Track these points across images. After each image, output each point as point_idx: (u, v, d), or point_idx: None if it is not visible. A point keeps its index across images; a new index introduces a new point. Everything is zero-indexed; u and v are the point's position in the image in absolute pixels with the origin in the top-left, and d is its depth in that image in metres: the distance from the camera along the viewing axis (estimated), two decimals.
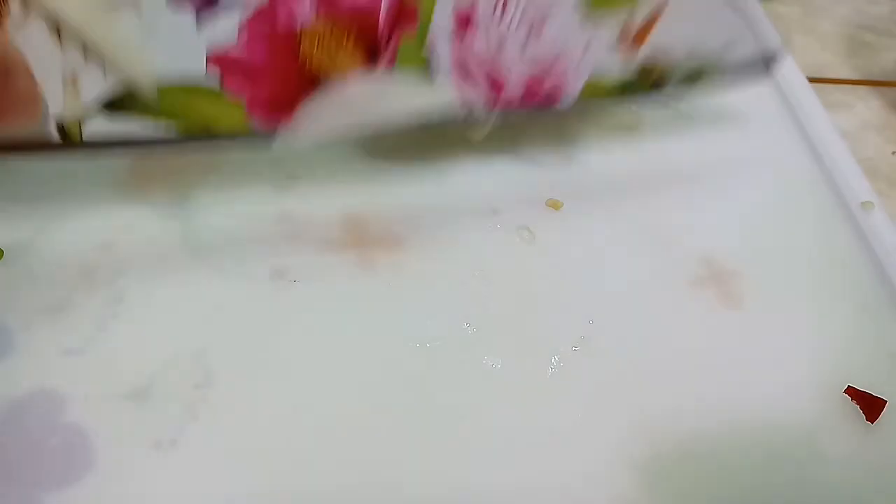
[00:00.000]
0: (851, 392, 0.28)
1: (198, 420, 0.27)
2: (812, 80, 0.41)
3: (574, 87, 0.31)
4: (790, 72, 0.41)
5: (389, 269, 0.31)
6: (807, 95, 0.40)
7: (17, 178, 0.34)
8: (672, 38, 0.30)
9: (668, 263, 0.32)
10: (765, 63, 0.33)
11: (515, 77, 0.30)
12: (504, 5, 0.28)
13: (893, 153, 0.41)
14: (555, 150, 0.36)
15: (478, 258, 0.32)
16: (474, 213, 0.33)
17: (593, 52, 0.30)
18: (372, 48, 0.28)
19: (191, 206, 0.33)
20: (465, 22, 0.28)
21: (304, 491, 0.25)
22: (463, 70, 0.29)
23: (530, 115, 0.32)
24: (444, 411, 0.27)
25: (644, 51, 0.30)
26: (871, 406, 0.28)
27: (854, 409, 0.28)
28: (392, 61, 0.28)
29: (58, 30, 0.24)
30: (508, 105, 0.31)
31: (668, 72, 0.31)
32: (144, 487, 0.25)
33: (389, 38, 0.28)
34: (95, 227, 0.32)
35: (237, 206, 0.33)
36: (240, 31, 0.26)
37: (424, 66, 0.29)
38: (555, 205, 0.34)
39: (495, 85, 0.30)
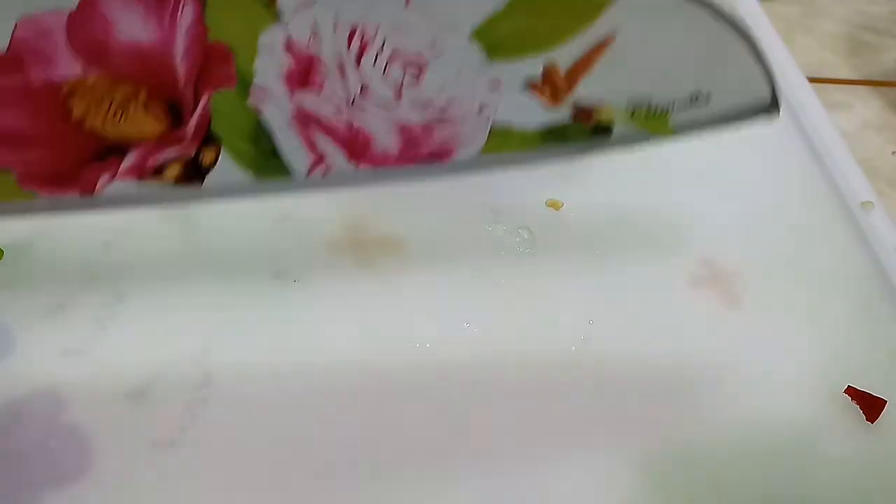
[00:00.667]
0: (851, 392, 0.28)
1: (198, 420, 0.27)
2: (812, 80, 0.41)
3: (475, 138, 0.25)
4: (790, 72, 0.41)
5: (389, 269, 0.31)
6: (807, 95, 0.40)
7: None
8: (623, 75, 0.24)
9: (668, 264, 0.32)
10: (760, 108, 0.26)
11: (385, 129, 0.24)
12: (362, 46, 0.22)
13: (893, 153, 0.41)
14: None
15: (478, 258, 0.32)
16: (474, 213, 0.33)
17: (500, 96, 0.24)
18: (174, 106, 0.23)
19: (191, 207, 0.33)
20: (304, 72, 0.23)
21: (305, 490, 0.25)
22: (306, 124, 0.24)
23: (421, 172, 0.26)
24: (443, 411, 0.27)
25: (580, 92, 0.24)
26: (871, 406, 0.28)
27: (854, 409, 0.28)
28: (205, 119, 0.23)
29: None
30: (383, 161, 0.25)
31: (616, 113, 0.25)
32: (144, 487, 0.25)
33: (196, 93, 0.22)
34: (95, 227, 0.32)
35: (237, 207, 0.33)
36: None
37: (252, 122, 0.23)
38: (555, 205, 0.34)
39: (356, 139, 0.24)
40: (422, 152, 0.25)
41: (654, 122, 0.25)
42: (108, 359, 0.28)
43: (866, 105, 0.44)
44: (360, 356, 0.29)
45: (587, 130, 0.25)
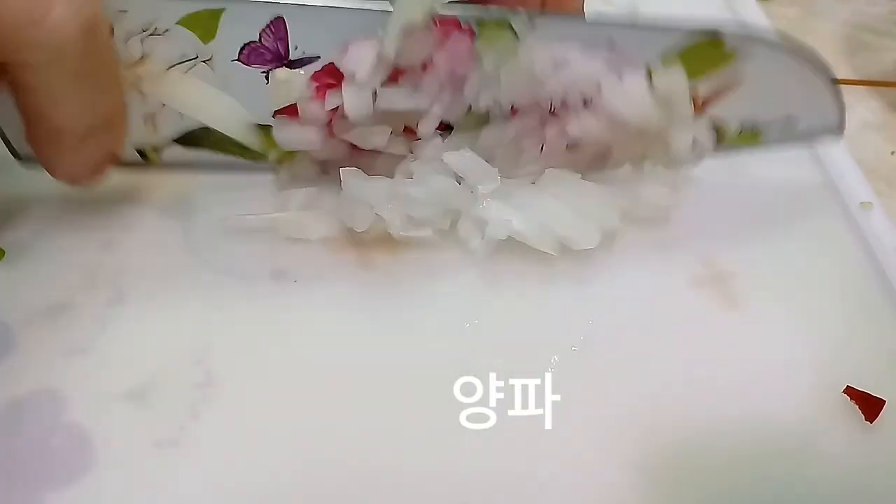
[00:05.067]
0: (851, 392, 0.28)
1: (198, 419, 0.27)
2: None
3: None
4: None
5: (389, 269, 0.31)
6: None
7: (18, 178, 0.34)
8: (739, 102, 0.32)
9: (668, 264, 0.32)
10: (831, 130, 0.34)
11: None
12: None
13: (893, 153, 0.41)
14: None
15: (478, 257, 0.32)
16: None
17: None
18: None
19: (191, 206, 0.33)
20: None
21: (305, 490, 0.26)
22: None
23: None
24: (443, 410, 0.27)
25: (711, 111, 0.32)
26: (870, 406, 0.28)
27: (853, 409, 0.28)
28: None
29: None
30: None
31: (730, 128, 0.33)
32: (145, 486, 0.25)
33: None
34: (96, 227, 0.32)
35: (237, 207, 0.33)
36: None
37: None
38: None
39: None
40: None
41: (751, 137, 0.34)
42: (109, 358, 0.28)
43: (866, 105, 0.44)
44: (361, 356, 0.29)
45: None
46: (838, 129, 0.33)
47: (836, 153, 0.37)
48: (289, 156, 0.32)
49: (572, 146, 0.32)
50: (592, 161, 0.33)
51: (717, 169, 0.36)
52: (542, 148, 0.32)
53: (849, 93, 0.45)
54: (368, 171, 0.31)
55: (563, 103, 0.31)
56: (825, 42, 0.48)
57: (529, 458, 0.27)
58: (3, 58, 0.24)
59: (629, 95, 0.31)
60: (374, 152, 0.32)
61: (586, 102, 0.31)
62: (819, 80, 0.32)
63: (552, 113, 0.31)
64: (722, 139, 0.33)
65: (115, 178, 0.31)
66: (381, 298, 0.31)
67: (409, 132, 0.31)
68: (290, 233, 0.32)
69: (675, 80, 0.31)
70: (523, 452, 0.27)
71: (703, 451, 0.27)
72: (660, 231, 0.34)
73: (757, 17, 0.46)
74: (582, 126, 0.31)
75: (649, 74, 0.31)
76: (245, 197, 0.33)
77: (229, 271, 0.31)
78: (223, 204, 0.33)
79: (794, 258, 0.33)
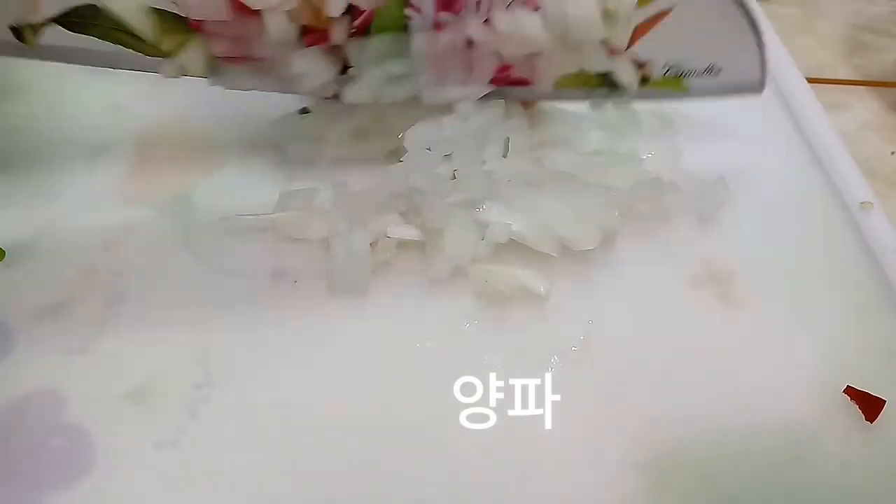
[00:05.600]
0: (851, 392, 0.28)
1: (198, 420, 0.27)
2: (811, 80, 0.41)
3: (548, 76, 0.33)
4: (789, 72, 0.41)
5: (389, 269, 0.31)
6: (806, 96, 0.40)
7: (18, 178, 0.34)
8: (666, 42, 0.32)
9: (668, 264, 0.32)
10: (753, 86, 0.34)
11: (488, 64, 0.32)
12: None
13: (892, 153, 0.41)
14: None
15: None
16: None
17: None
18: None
19: (191, 207, 0.33)
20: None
21: (304, 490, 0.26)
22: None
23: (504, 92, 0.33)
24: (443, 410, 0.27)
25: (635, 49, 0.33)
26: (870, 406, 0.28)
27: (853, 409, 0.28)
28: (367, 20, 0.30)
29: None
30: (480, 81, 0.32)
31: (654, 70, 0.33)
32: (145, 487, 0.25)
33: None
34: (96, 227, 0.32)
35: (237, 207, 0.33)
36: None
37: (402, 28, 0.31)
38: None
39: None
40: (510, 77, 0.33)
41: (676, 82, 0.34)
42: (109, 358, 0.28)
43: (865, 105, 0.44)
44: (361, 355, 0.29)
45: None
46: (760, 86, 0.34)
47: (836, 153, 0.37)
48: (180, 47, 0.30)
49: (499, 55, 0.31)
50: (521, 76, 0.33)
51: (717, 169, 0.36)
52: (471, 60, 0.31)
53: (849, 93, 0.45)
54: (261, 71, 0.30)
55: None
56: (825, 42, 0.48)
57: (529, 458, 0.27)
58: None
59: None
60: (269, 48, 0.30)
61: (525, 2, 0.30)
62: (746, 33, 0.32)
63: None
64: (647, 80, 0.33)
65: (126, 154, 0.31)
66: (382, 298, 0.31)
67: (314, 32, 0.30)
68: (290, 233, 0.32)
69: None
70: (523, 452, 0.27)
71: (702, 451, 0.27)
72: (660, 231, 0.34)
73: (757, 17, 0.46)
74: (515, 21, 0.30)
75: None
76: (245, 197, 0.33)
77: (229, 271, 0.31)
78: (223, 204, 0.33)
79: (794, 258, 0.33)
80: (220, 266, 0.31)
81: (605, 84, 0.34)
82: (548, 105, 0.36)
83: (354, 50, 0.31)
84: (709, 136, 0.37)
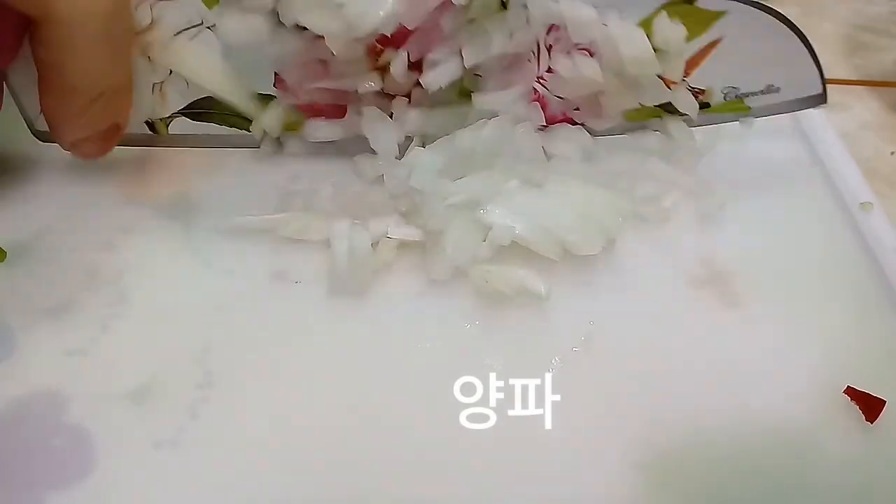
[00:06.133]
0: (851, 392, 0.28)
1: (198, 420, 0.27)
2: None
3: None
4: None
5: (389, 269, 0.31)
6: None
7: (19, 178, 0.34)
8: (722, 68, 0.34)
9: (668, 264, 0.32)
10: (815, 100, 0.36)
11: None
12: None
13: (892, 154, 0.41)
14: None
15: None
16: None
17: None
18: None
19: (191, 207, 0.33)
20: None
21: (304, 490, 0.26)
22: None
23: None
24: (444, 411, 0.27)
25: (692, 78, 0.35)
26: (870, 406, 0.28)
27: (854, 409, 0.28)
28: None
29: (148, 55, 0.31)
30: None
31: (713, 95, 0.35)
32: (145, 487, 0.25)
33: None
34: (97, 227, 0.32)
35: (237, 207, 0.33)
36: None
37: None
38: None
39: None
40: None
41: (737, 104, 0.36)
42: (110, 359, 0.28)
43: (865, 105, 0.44)
44: (361, 356, 0.29)
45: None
46: (822, 97, 0.36)
47: (836, 153, 0.37)
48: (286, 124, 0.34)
49: (562, 88, 0.33)
50: (585, 108, 0.35)
51: (717, 168, 0.36)
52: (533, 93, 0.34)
53: (849, 93, 0.45)
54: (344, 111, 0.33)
55: (552, 47, 0.32)
56: (825, 42, 0.48)
57: (529, 458, 0.27)
58: (38, 10, 0.25)
59: (630, 38, 0.32)
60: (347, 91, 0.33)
61: (579, 46, 0.32)
62: (797, 46, 0.33)
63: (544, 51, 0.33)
64: (707, 105, 0.35)
65: (127, 154, 0.32)
66: (382, 299, 0.31)
67: (382, 69, 0.32)
68: (291, 233, 0.32)
69: (673, 30, 0.32)
70: (523, 452, 0.27)
71: (702, 451, 0.27)
72: (660, 231, 0.34)
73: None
74: (573, 65, 0.32)
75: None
76: (245, 197, 0.33)
77: (229, 271, 0.31)
78: (223, 204, 0.33)
79: (794, 258, 0.33)
80: (220, 266, 0.31)
81: (668, 113, 0.36)
82: None
83: (419, 118, 0.34)
84: (707, 136, 0.37)
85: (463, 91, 0.34)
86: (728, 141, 0.37)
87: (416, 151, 0.33)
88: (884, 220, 0.34)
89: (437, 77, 0.32)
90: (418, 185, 0.31)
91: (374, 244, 0.31)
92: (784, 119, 0.38)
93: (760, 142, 0.37)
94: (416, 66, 0.32)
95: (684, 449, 0.27)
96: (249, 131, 0.34)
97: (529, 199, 0.32)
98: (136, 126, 0.33)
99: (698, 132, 0.37)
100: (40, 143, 0.34)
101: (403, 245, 0.32)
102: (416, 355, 0.29)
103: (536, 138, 0.34)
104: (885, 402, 0.28)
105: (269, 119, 0.34)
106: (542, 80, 0.34)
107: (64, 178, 0.34)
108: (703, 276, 0.32)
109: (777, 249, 0.33)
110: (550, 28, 0.32)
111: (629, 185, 0.34)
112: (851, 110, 0.44)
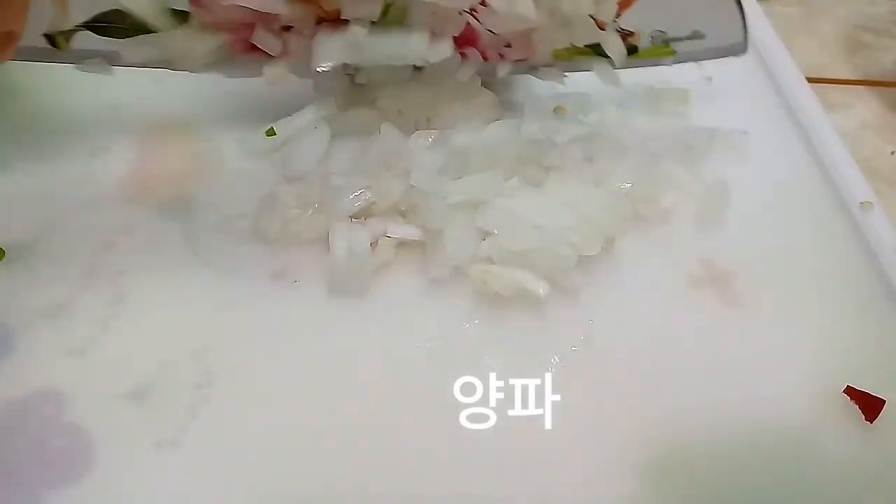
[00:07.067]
0: (850, 392, 0.28)
1: (198, 420, 0.27)
2: (811, 80, 0.41)
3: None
4: (789, 72, 0.41)
5: (389, 269, 0.31)
6: (806, 96, 0.40)
7: (19, 178, 0.34)
8: (651, 12, 0.35)
9: (668, 264, 0.32)
10: (736, 48, 0.36)
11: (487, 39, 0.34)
12: None
13: (892, 153, 0.41)
14: None
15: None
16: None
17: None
18: None
19: (191, 207, 0.33)
20: None
21: (304, 490, 0.26)
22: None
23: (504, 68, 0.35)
24: (443, 411, 0.27)
25: (623, 19, 0.35)
26: (870, 406, 0.28)
27: (853, 409, 0.28)
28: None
29: None
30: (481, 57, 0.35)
31: (641, 38, 0.36)
32: (145, 487, 0.25)
33: None
34: (96, 227, 0.32)
35: (237, 207, 0.33)
36: None
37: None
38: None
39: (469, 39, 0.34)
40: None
41: (663, 49, 0.36)
42: (109, 358, 0.28)
43: (865, 105, 0.44)
44: (361, 356, 0.29)
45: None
46: (742, 46, 0.36)
47: (836, 153, 0.37)
48: (196, 41, 0.32)
49: (494, 23, 0.33)
50: (517, 45, 0.34)
51: (717, 168, 0.36)
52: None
53: (849, 93, 0.45)
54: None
55: None
56: (825, 42, 0.48)
57: (529, 458, 0.27)
58: None
59: None
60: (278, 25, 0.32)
61: None
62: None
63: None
64: (636, 49, 0.36)
65: (127, 154, 0.32)
66: (382, 299, 0.31)
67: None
68: (290, 233, 0.32)
69: None
70: (523, 452, 0.27)
71: (702, 451, 0.27)
72: (660, 231, 0.34)
73: (756, 16, 0.46)
74: (509, 2, 0.32)
75: None
76: (245, 197, 0.33)
77: (229, 271, 0.31)
78: (223, 204, 0.33)
79: (794, 258, 0.33)
80: (220, 266, 0.31)
81: (596, 55, 0.36)
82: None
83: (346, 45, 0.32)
84: (707, 136, 0.37)
85: (393, 20, 0.33)
86: (728, 141, 0.37)
87: (416, 152, 0.32)
88: (884, 220, 0.34)
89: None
90: (418, 185, 0.31)
91: (374, 244, 0.31)
92: (784, 119, 0.39)
93: (760, 142, 0.37)
94: None
95: (684, 448, 0.27)
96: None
97: (528, 198, 0.32)
98: (35, 39, 0.30)
99: (700, 130, 0.37)
100: (40, 142, 0.34)
101: (403, 244, 0.32)
102: (416, 355, 0.29)
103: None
104: (884, 401, 0.28)
105: (183, 37, 0.32)
106: (474, 13, 0.33)
107: (64, 177, 0.34)
108: (703, 276, 0.32)
109: (777, 249, 0.33)
110: None
111: (629, 185, 0.33)
112: (851, 110, 0.44)
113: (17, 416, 0.27)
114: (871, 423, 0.28)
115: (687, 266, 0.32)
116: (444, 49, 0.33)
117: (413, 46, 0.32)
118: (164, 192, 0.34)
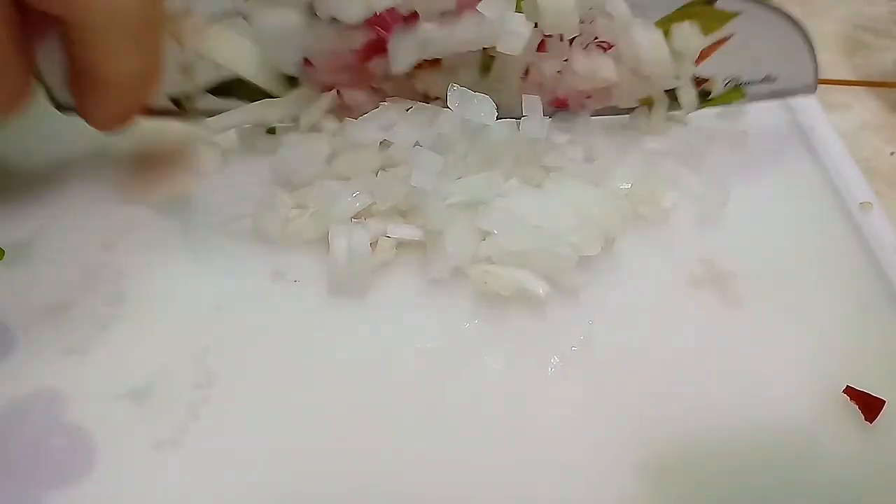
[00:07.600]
0: (850, 392, 0.28)
1: (198, 420, 0.27)
2: None
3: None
4: None
5: (389, 269, 0.31)
6: (805, 96, 0.40)
7: (18, 178, 0.34)
8: (727, 59, 0.36)
9: (668, 264, 0.32)
10: (806, 88, 0.37)
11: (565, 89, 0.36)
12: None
13: (892, 154, 0.41)
14: None
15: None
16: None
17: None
18: None
19: (191, 206, 0.33)
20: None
21: (304, 490, 0.26)
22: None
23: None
24: (444, 412, 0.27)
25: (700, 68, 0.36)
26: (869, 406, 0.28)
27: (853, 409, 0.28)
28: None
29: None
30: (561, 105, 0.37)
31: (716, 84, 0.37)
32: (145, 487, 0.25)
33: None
34: (96, 227, 0.32)
35: (237, 207, 0.33)
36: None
37: None
38: None
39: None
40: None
41: (735, 92, 0.37)
42: (110, 358, 0.28)
43: (865, 105, 0.44)
44: (361, 356, 0.29)
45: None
46: (812, 87, 0.36)
47: (835, 153, 0.37)
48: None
49: (575, 81, 0.35)
50: (597, 98, 0.36)
51: (717, 168, 0.36)
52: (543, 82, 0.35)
53: (849, 93, 0.45)
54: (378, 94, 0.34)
55: (573, 41, 0.34)
56: (825, 42, 0.48)
57: (529, 458, 0.27)
58: (70, 19, 0.26)
59: (651, 43, 0.34)
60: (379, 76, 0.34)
61: (598, 41, 0.34)
62: (800, 44, 0.35)
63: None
64: (707, 94, 0.37)
65: (127, 154, 0.33)
66: (382, 298, 0.31)
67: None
68: (290, 233, 0.32)
69: (692, 37, 0.34)
70: (523, 453, 0.27)
71: (702, 451, 0.27)
72: (660, 231, 0.34)
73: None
74: (591, 65, 0.34)
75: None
76: (245, 197, 0.33)
77: (229, 271, 0.31)
78: (223, 204, 0.33)
79: (794, 258, 0.33)
80: (220, 266, 0.31)
81: (670, 100, 0.37)
82: None
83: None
84: (707, 137, 0.37)
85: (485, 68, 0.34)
86: (728, 141, 0.37)
87: (416, 150, 0.32)
88: (883, 220, 0.34)
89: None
90: (418, 185, 0.31)
91: (374, 244, 0.31)
92: (784, 119, 0.39)
93: (760, 142, 0.37)
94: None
95: (684, 448, 0.27)
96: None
97: (528, 198, 0.32)
98: (162, 101, 0.34)
99: (700, 130, 0.37)
100: (40, 142, 0.34)
101: (403, 245, 0.32)
102: (416, 355, 0.29)
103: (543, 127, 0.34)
104: (884, 401, 0.28)
105: (296, 98, 0.34)
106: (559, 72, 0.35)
107: (64, 177, 0.34)
108: (703, 276, 0.32)
109: (777, 249, 0.33)
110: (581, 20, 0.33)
111: (629, 185, 0.33)
112: (851, 110, 0.44)
113: (17, 416, 0.27)
114: (871, 423, 0.28)
115: (687, 266, 0.32)
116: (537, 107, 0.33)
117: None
118: (163, 192, 0.34)
